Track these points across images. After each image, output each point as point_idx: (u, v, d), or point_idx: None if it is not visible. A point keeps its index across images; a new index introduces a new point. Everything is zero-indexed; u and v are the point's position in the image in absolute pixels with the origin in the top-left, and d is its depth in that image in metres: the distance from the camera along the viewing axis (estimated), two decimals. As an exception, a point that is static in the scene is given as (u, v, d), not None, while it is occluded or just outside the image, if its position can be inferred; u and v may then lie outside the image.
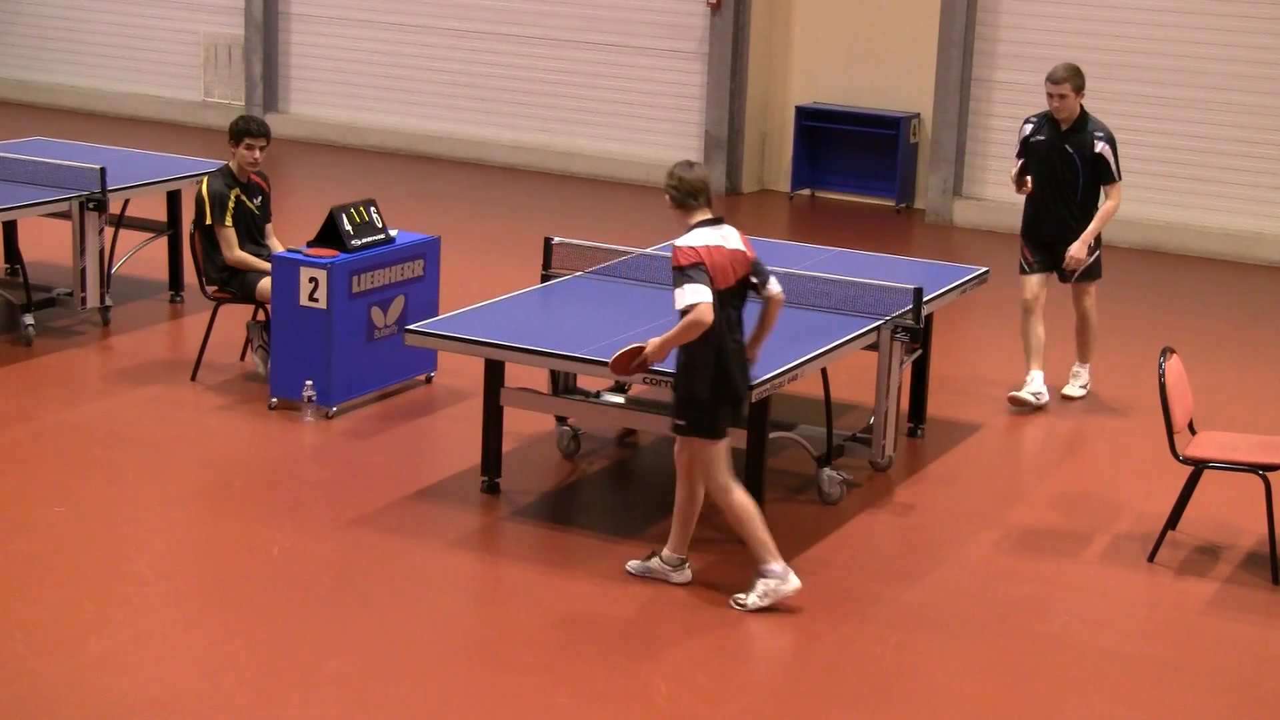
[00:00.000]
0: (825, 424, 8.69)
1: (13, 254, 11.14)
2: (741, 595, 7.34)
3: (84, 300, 10.60)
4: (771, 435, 8.12)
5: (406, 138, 17.40)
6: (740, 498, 7.31)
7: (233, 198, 9.82)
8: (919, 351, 9.29)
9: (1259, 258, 14.27)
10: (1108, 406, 10.32)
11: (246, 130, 9.87)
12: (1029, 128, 10.19)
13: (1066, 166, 10.05)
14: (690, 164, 7.32)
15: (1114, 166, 10.04)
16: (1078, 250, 10.05)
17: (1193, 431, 8.16)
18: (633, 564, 7.61)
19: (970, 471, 9.26)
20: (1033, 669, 6.98)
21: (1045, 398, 10.19)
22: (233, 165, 9.94)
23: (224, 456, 8.99)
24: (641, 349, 7.19)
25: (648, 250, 9.60)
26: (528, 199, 15.64)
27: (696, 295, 6.97)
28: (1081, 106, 10.05)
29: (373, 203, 9.87)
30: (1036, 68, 14.85)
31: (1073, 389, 10.44)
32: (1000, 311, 12.29)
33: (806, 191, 16.31)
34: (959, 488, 8.98)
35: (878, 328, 8.53)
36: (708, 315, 6.99)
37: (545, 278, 9.34)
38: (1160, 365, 7.93)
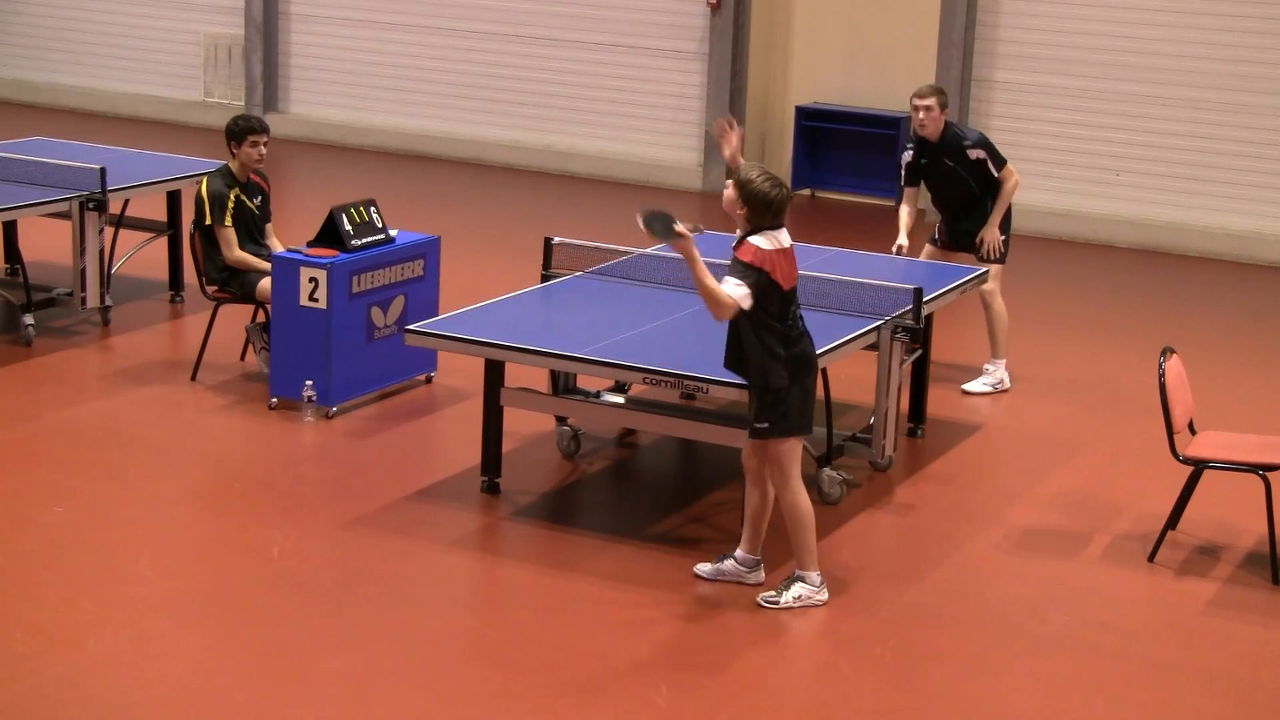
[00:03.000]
0: (825, 424, 8.68)
1: (13, 254, 11.14)
2: (773, 594, 7.35)
3: (84, 300, 10.60)
4: (771, 435, 8.11)
5: (406, 138, 17.40)
6: (806, 502, 7.32)
7: (232, 198, 9.82)
8: (919, 351, 9.29)
9: (1259, 258, 14.28)
10: (1108, 406, 10.32)
11: (251, 127, 9.87)
12: (909, 154, 10.44)
13: (956, 180, 10.33)
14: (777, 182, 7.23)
15: (995, 160, 10.29)
16: (989, 234, 10.29)
17: (1193, 431, 8.16)
18: (703, 567, 7.60)
19: (970, 471, 9.26)
20: (1033, 669, 6.98)
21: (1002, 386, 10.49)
22: (233, 165, 9.93)
23: (224, 456, 8.99)
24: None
25: (648, 250, 9.60)
26: (528, 199, 15.64)
27: (734, 291, 7.03)
28: (947, 121, 10.30)
29: (373, 203, 9.87)
30: (1036, 68, 14.94)
31: (976, 384, 10.46)
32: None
33: (806, 191, 16.31)
34: (959, 488, 8.98)
35: (878, 328, 8.53)
36: (734, 307, 7.02)
37: (545, 278, 9.35)
38: (1160, 365, 7.93)
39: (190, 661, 6.71)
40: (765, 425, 7.23)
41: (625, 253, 9.48)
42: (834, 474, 8.57)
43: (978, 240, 10.33)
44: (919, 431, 9.66)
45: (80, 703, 6.36)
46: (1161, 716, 6.68)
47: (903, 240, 10.34)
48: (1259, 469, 7.83)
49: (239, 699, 6.43)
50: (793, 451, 7.28)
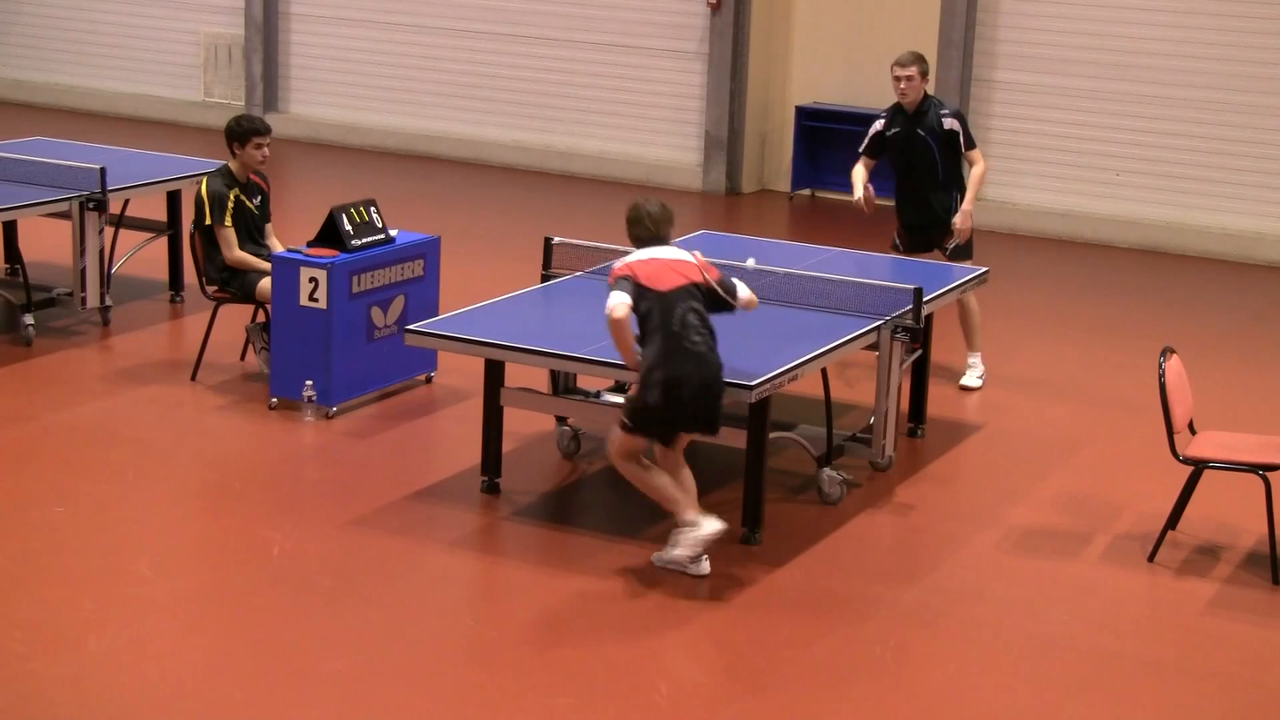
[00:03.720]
0: (825, 424, 8.68)
1: (13, 254, 11.14)
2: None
3: (84, 300, 10.60)
4: (771, 435, 8.12)
5: (406, 138, 17.40)
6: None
7: (232, 198, 9.82)
8: (919, 352, 9.29)
9: (1259, 258, 14.28)
10: (1108, 406, 10.32)
11: (255, 129, 9.86)
12: (880, 123, 10.42)
13: (924, 152, 10.27)
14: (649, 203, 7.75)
15: (965, 135, 10.27)
16: (961, 221, 10.26)
17: (1193, 431, 8.16)
18: (656, 556, 7.68)
19: (970, 471, 9.26)
20: (1033, 669, 6.98)
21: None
22: (233, 165, 9.93)
23: (224, 456, 8.99)
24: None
25: (648, 250, 9.59)
26: (528, 199, 15.64)
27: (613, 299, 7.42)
28: (926, 92, 10.28)
29: (373, 203, 9.87)
30: (1036, 68, 14.94)
31: (970, 379, 10.48)
32: (1001, 312, 12.30)
33: (806, 191, 16.31)
34: (959, 488, 8.98)
35: (878, 328, 8.53)
36: (615, 313, 7.37)
37: (545, 278, 9.34)
38: (1160, 365, 7.93)
39: (190, 661, 6.71)
40: (624, 420, 7.53)
41: (625, 253, 9.45)
42: (834, 474, 8.57)
43: (953, 225, 10.24)
44: (919, 431, 9.66)
45: (80, 703, 6.36)
46: (1161, 716, 6.68)
47: (860, 192, 10.26)
48: (1259, 469, 7.83)
49: (239, 699, 6.43)
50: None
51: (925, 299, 8.79)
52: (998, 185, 15.12)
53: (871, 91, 16.01)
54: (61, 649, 6.72)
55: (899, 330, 8.51)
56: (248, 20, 17.84)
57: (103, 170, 10.67)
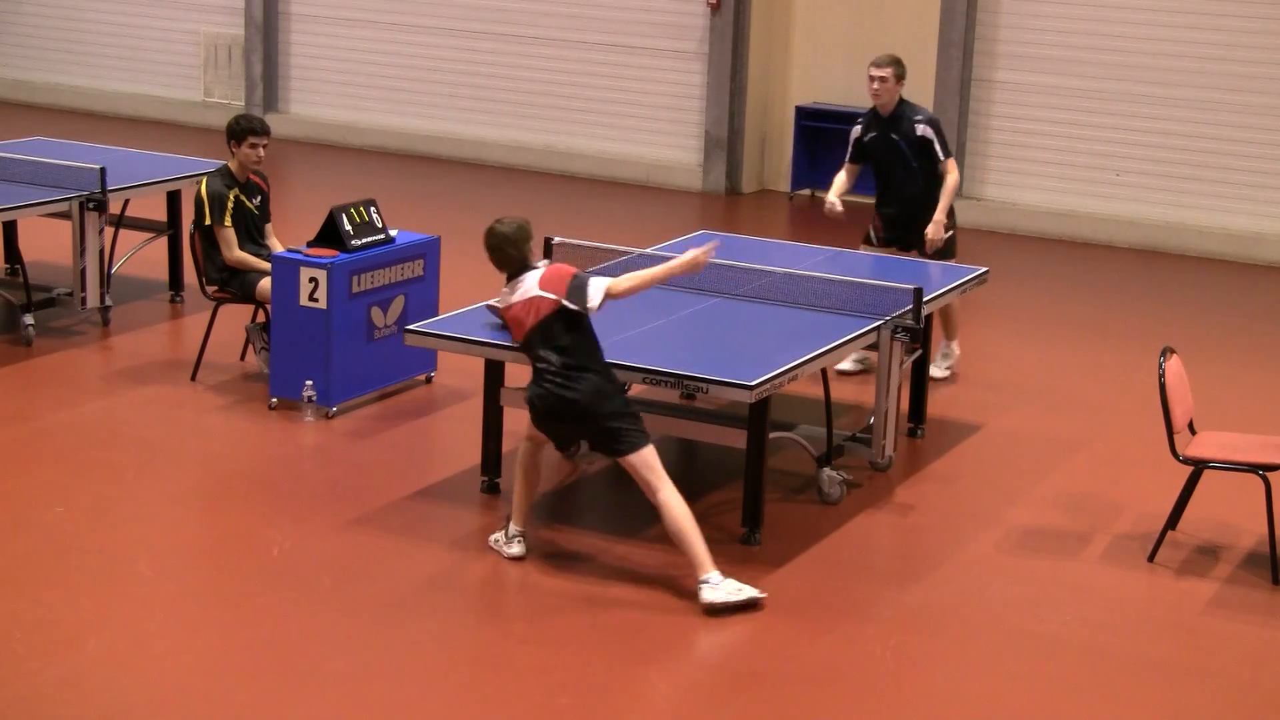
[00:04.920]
0: (825, 424, 8.68)
1: (13, 254, 11.14)
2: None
3: (84, 300, 10.60)
4: (771, 435, 8.12)
5: (406, 138, 17.40)
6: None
7: (232, 198, 9.82)
8: (919, 352, 9.29)
9: (1259, 258, 14.28)
10: (1108, 406, 10.32)
11: (251, 129, 9.86)
12: (859, 128, 10.43)
13: (899, 156, 10.24)
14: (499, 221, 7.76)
15: (939, 145, 10.20)
16: (933, 232, 10.22)
17: (1193, 431, 8.16)
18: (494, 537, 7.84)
19: (970, 471, 9.26)
20: (1033, 669, 6.98)
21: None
22: (232, 165, 9.93)
23: (224, 456, 8.99)
24: None
25: (648, 250, 9.60)
26: (528, 199, 15.63)
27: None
28: (901, 96, 10.25)
29: (373, 203, 9.87)
30: (1036, 68, 14.94)
31: (937, 370, 10.43)
32: (1001, 312, 12.30)
33: (806, 191, 16.30)
34: (959, 488, 8.98)
35: (878, 328, 8.52)
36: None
37: (545, 278, 9.33)
38: (1160, 365, 7.93)
39: (190, 661, 6.71)
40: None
41: (625, 252, 9.48)
42: (834, 474, 8.57)
43: (925, 235, 10.22)
44: (919, 431, 9.66)
45: (80, 703, 6.36)
46: (1161, 716, 6.68)
47: (833, 198, 10.31)
48: (1259, 469, 7.83)
49: (239, 699, 6.43)
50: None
51: (925, 299, 8.79)
52: (998, 185, 15.12)
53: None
54: (61, 649, 6.72)
55: (899, 330, 8.50)
56: (248, 20, 17.84)
57: (103, 170, 10.67)
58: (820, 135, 16.11)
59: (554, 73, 16.78)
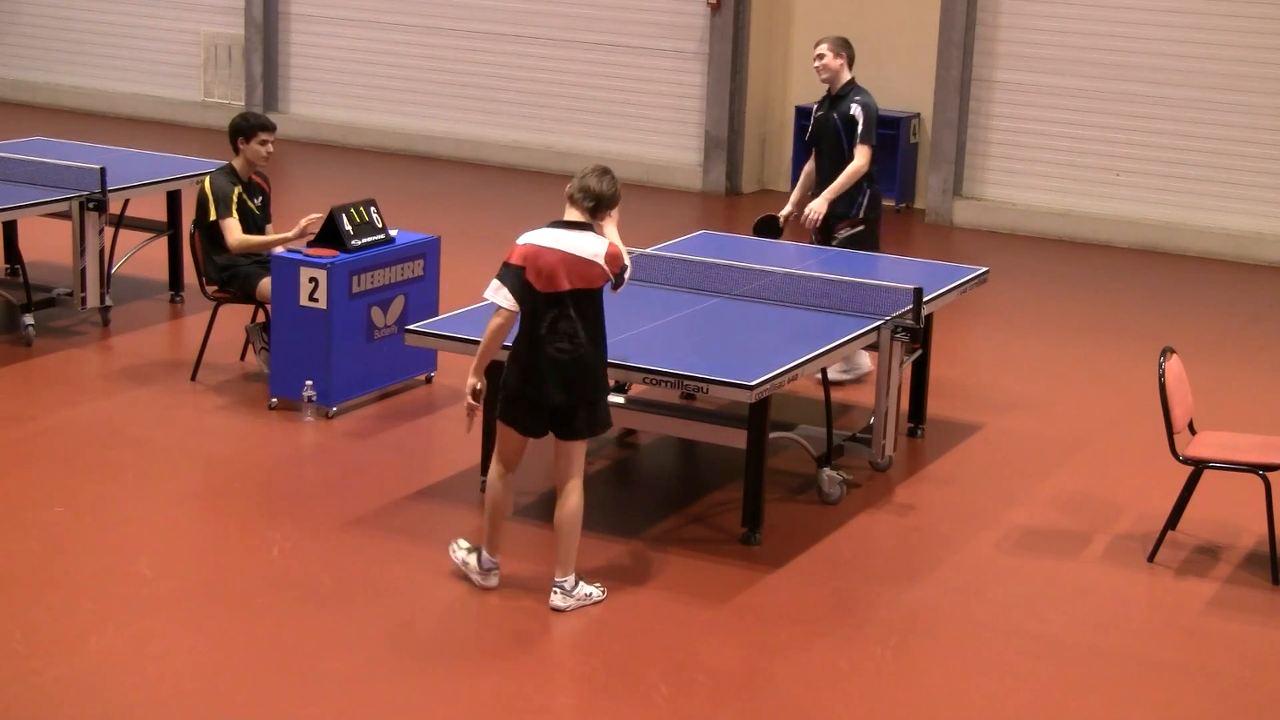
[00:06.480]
0: (825, 424, 8.68)
1: (13, 254, 11.14)
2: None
3: (84, 300, 10.60)
4: (771, 435, 8.12)
5: (406, 138, 17.40)
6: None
7: (236, 195, 9.81)
8: (919, 352, 9.29)
9: (1259, 258, 14.28)
10: (1108, 406, 10.32)
11: (262, 125, 9.85)
12: (814, 108, 10.37)
13: (833, 137, 10.16)
14: (603, 171, 7.47)
15: (862, 128, 10.04)
16: (817, 206, 10.09)
17: (1193, 431, 8.16)
18: (455, 548, 7.61)
19: (970, 471, 9.26)
20: (1033, 669, 6.98)
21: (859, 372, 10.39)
22: (237, 164, 9.91)
23: (224, 456, 8.99)
24: None
25: (648, 250, 9.60)
26: (528, 199, 15.64)
27: (494, 295, 7.25)
28: (853, 79, 10.18)
29: (373, 203, 9.87)
30: (1036, 68, 14.94)
31: (833, 371, 10.09)
32: (1001, 312, 12.30)
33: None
34: (959, 488, 8.98)
35: (878, 328, 8.53)
36: (494, 319, 7.24)
37: (545, 278, 9.32)
38: (1160, 365, 7.93)
39: (190, 661, 6.72)
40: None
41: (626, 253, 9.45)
42: (834, 474, 8.57)
43: (806, 210, 10.12)
44: (919, 431, 9.66)
45: (80, 703, 6.36)
46: (1161, 717, 6.68)
47: (787, 209, 10.27)
48: (1259, 469, 7.83)
49: (239, 699, 6.43)
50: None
51: (925, 299, 8.79)
52: (998, 185, 15.12)
53: (871, 92, 15.97)
54: (61, 649, 6.73)
55: (899, 330, 8.51)
56: (248, 20, 17.84)
57: (103, 170, 10.67)
58: (820, 135, 16.11)
59: (554, 73, 16.78)
